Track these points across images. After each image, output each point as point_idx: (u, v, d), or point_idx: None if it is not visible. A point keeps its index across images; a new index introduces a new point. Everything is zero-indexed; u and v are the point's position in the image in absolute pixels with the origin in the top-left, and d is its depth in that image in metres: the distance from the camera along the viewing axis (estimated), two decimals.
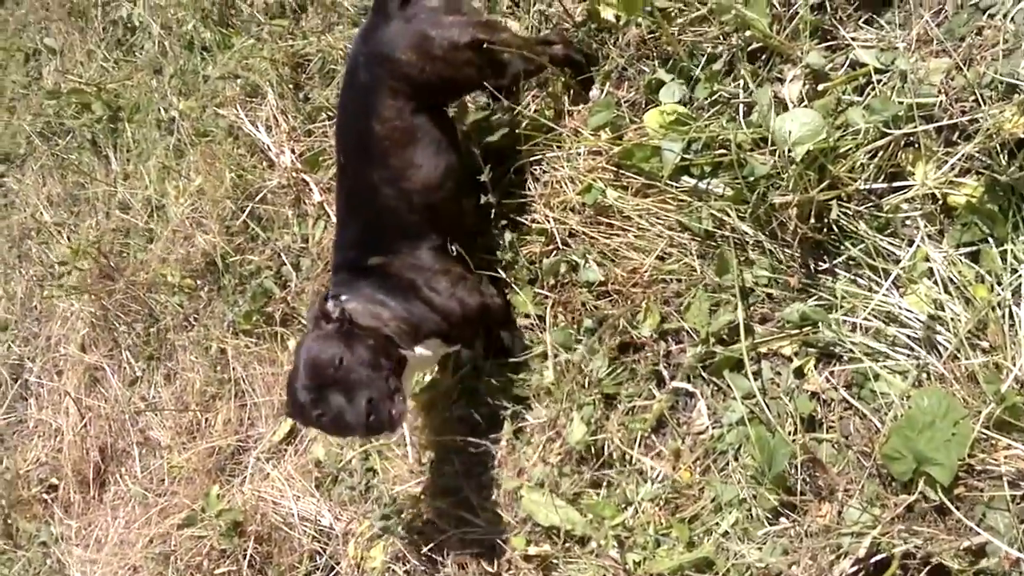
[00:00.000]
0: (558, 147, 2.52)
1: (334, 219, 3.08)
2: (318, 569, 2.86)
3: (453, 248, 2.40)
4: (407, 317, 2.30)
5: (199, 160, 3.77)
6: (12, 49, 5.95)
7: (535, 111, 2.52)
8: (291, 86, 3.43)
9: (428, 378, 2.80)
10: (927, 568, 1.82)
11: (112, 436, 3.99)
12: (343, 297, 2.27)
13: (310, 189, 3.28)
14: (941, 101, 1.97)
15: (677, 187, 2.31)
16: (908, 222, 2.05)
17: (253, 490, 3.12)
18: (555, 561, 2.28)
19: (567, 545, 2.28)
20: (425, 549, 2.51)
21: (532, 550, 2.30)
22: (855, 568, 1.86)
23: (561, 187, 2.50)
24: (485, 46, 2.31)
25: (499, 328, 2.59)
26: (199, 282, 3.76)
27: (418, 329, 2.32)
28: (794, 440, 2.01)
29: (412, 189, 2.34)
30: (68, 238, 4.64)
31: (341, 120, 2.48)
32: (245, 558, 3.02)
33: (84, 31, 5.04)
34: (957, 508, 1.80)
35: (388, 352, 2.17)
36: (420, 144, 2.34)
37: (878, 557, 1.85)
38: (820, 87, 2.13)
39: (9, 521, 4.31)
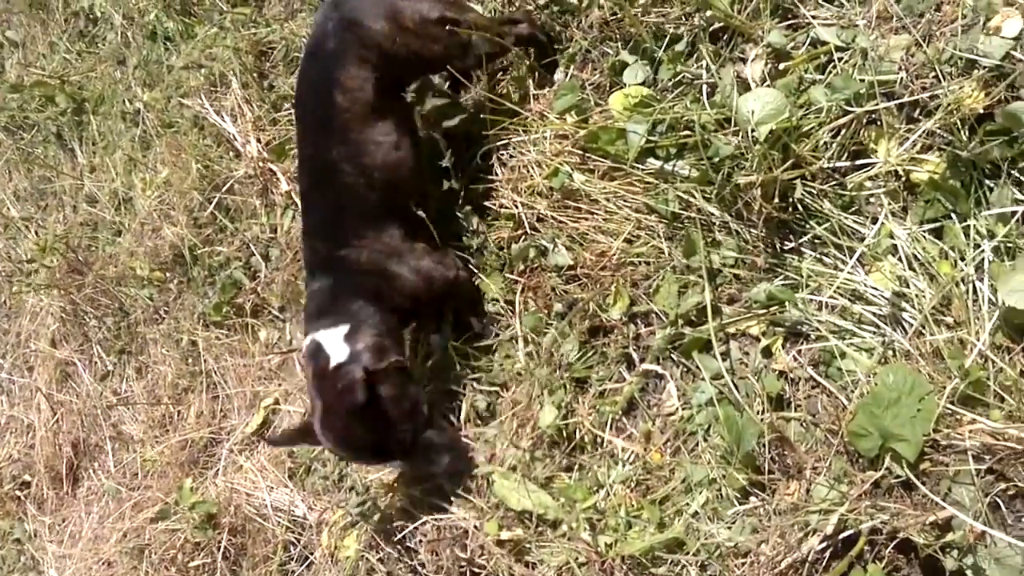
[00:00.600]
0: (524, 131, 2.51)
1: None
2: (292, 559, 2.85)
3: (419, 212, 2.38)
4: (391, 326, 2.35)
5: (165, 151, 3.72)
6: None
7: (500, 95, 2.50)
8: (255, 75, 3.39)
9: None
10: (894, 543, 1.84)
11: (84, 431, 3.95)
12: (347, 331, 2.28)
13: (277, 178, 3.25)
14: (902, 78, 1.98)
15: (643, 169, 2.31)
16: (872, 200, 2.06)
17: (226, 482, 3.09)
18: (528, 545, 2.27)
19: (539, 529, 2.28)
20: (398, 537, 2.50)
21: (505, 535, 2.30)
22: (823, 545, 1.87)
23: (528, 171, 2.49)
24: (451, 25, 2.29)
25: (467, 310, 2.58)
26: (168, 274, 3.73)
27: (399, 330, 2.39)
28: (762, 419, 2.01)
29: (373, 166, 2.31)
30: (36, 233, 4.59)
31: (301, 92, 2.43)
32: (219, 550, 3.01)
33: (46, 23, 4.96)
34: (923, 483, 1.82)
35: (407, 381, 2.27)
36: (380, 120, 2.31)
37: (846, 533, 1.86)
38: (782, 66, 2.14)
39: None
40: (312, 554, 2.80)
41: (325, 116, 2.30)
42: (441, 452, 2.42)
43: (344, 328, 2.28)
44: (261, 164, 3.29)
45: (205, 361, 3.41)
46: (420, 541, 2.47)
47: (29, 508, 4.02)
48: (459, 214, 2.57)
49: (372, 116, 2.29)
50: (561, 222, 2.44)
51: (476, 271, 2.57)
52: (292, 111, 3.18)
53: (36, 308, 4.43)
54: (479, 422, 2.55)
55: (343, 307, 2.32)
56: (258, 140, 3.32)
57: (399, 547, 2.50)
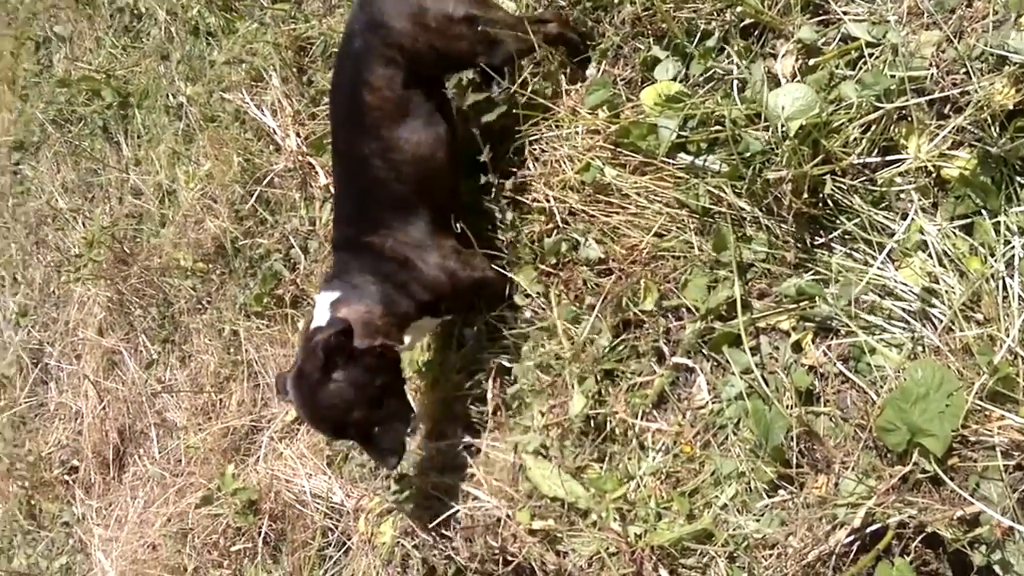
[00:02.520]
0: (556, 126, 2.53)
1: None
2: (330, 545, 2.92)
3: (457, 226, 2.43)
4: (396, 310, 2.38)
5: (207, 145, 3.81)
6: (23, 38, 6.00)
7: (532, 91, 2.53)
8: (295, 70, 3.45)
9: (432, 356, 2.84)
10: (921, 537, 1.85)
11: (130, 418, 4.07)
12: (337, 298, 2.34)
13: (316, 172, 3.31)
14: (932, 74, 1.97)
15: (674, 164, 2.32)
16: (902, 196, 2.05)
17: (267, 469, 3.18)
18: (559, 535, 2.32)
19: (570, 519, 2.32)
20: (433, 524, 2.55)
21: (537, 524, 2.34)
22: (851, 538, 1.89)
23: (560, 166, 2.52)
24: (478, 23, 2.32)
25: (491, 302, 2.64)
26: (211, 265, 3.81)
27: (406, 317, 2.40)
28: (791, 414, 2.03)
29: (402, 160, 2.34)
30: (83, 224, 4.71)
31: (335, 90, 2.48)
32: (260, 535, 3.09)
33: (92, 18, 5.08)
34: (951, 478, 1.82)
35: (384, 369, 2.32)
36: (411, 116, 2.35)
37: (873, 527, 1.88)
38: (812, 62, 2.14)
39: (32, 502, 4.42)
40: (349, 540, 2.87)
41: (356, 114, 2.34)
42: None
43: (335, 295, 2.35)
44: (300, 158, 3.35)
45: (246, 350, 3.49)
46: (454, 528, 2.52)
47: (77, 492, 4.15)
48: (494, 207, 2.60)
49: (402, 113, 2.33)
50: (592, 216, 2.46)
51: (506, 265, 2.60)
52: (328, 107, 3.25)
53: (84, 297, 4.55)
54: (509, 412, 2.58)
55: (347, 278, 2.38)
56: (297, 134, 3.39)
57: (434, 534, 2.55)
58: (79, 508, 4.12)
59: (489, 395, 2.61)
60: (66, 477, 4.30)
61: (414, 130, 2.35)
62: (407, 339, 2.41)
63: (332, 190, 2.62)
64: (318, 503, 2.97)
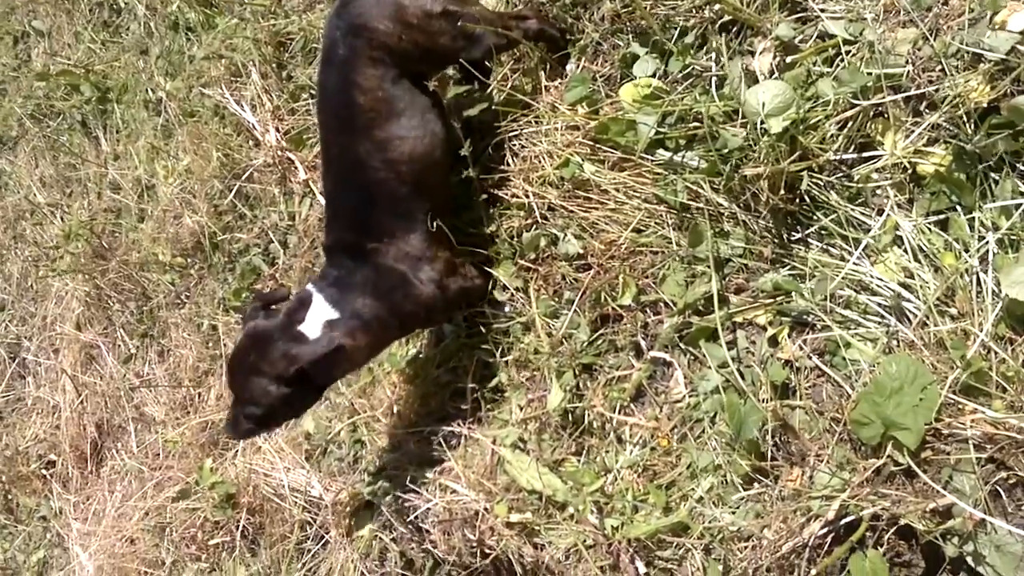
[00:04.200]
0: (536, 122, 2.54)
1: (321, 198, 3.12)
2: (308, 538, 2.92)
3: (434, 224, 2.43)
4: (383, 336, 2.45)
5: (187, 140, 3.79)
6: (0, 32, 5.94)
7: (512, 87, 2.53)
8: (274, 65, 3.44)
9: (411, 351, 2.84)
10: (894, 529, 1.87)
11: (108, 412, 4.05)
12: (335, 320, 2.34)
13: (295, 167, 3.31)
14: (908, 71, 1.99)
15: (652, 160, 2.34)
16: (878, 192, 2.07)
17: (245, 463, 3.17)
18: (536, 527, 2.32)
19: (548, 511, 2.33)
20: (411, 517, 2.55)
21: (514, 517, 2.34)
22: (825, 530, 1.91)
23: (539, 162, 2.53)
24: (457, 17, 2.33)
25: (475, 303, 2.64)
26: (189, 260, 3.80)
27: (389, 340, 2.52)
28: (767, 407, 2.05)
29: (400, 160, 2.35)
30: (61, 219, 4.68)
31: (322, 98, 2.48)
32: (238, 529, 3.09)
33: (71, 13, 5.03)
34: (924, 471, 1.84)
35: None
36: (404, 114, 2.35)
37: (847, 519, 1.90)
38: (790, 59, 2.16)
39: (9, 496, 4.38)
40: (328, 533, 2.86)
41: (348, 118, 2.34)
42: None
43: (334, 315, 2.35)
44: (280, 153, 3.34)
45: (225, 345, 3.49)
46: (432, 522, 2.52)
47: (55, 486, 4.13)
48: (473, 203, 2.61)
49: (395, 112, 2.34)
50: (571, 211, 2.48)
51: (486, 261, 2.61)
52: (312, 99, 3.25)
53: (61, 292, 4.52)
54: (488, 406, 2.59)
55: (350, 298, 2.37)
56: (277, 129, 3.38)
57: (411, 528, 2.55)
58: (56, 502, 4.09)
59: (467, 389, 2.62)
60: (43, 471, 4.27)
61: (409, 128, 2.35)
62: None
63: (323, 198, 2.60)
64: (296, 497, 2.96)
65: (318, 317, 2.33)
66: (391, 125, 2.34)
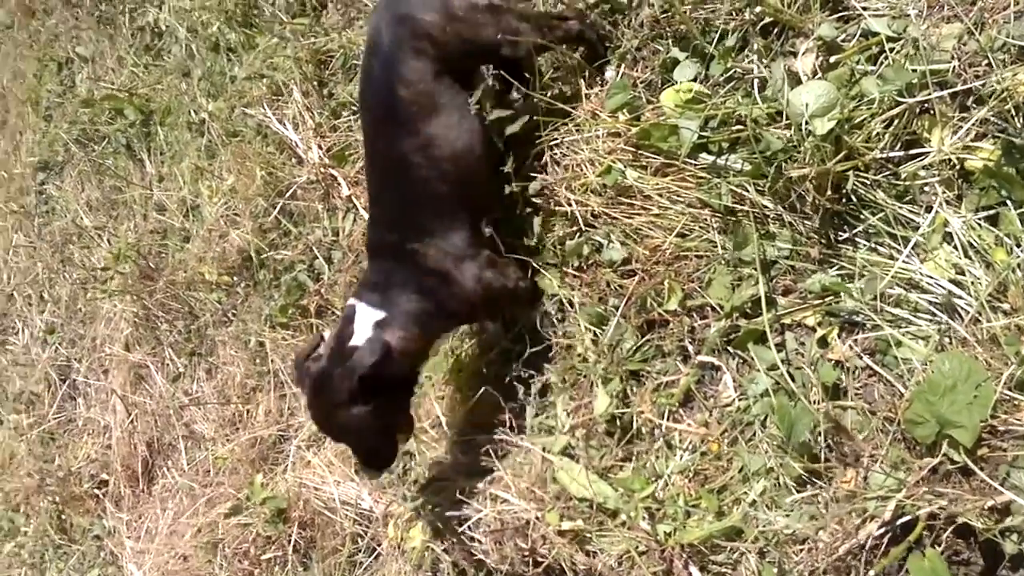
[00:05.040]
0: (577, 130, 2.55)
1: (364, 213, 3.15)
2: (360, 551, 2.94)
3: (486, 229, 2.45)
4: (433, 331, 2.48)
5: (230, 160, 3.85)
6: (46, 59, 6.08)
7: (552, 96, 2.55)
8: (315, 83, 3.49)
9: (457, 362, 2.86)
10: (952, 528, 1.84)
11: (158, 431, 4.10)
12: (382, 319, 2.37)
13: (338, 183, 3.34)
14: (954, 67, 1.97)
15: (696, 165, 2.34)
16: (926, 189, 2.06)
17: (295, 477, 3.19)
18: (588, 535, 2.32)
19: (599, 519, 2.32)
20: (462, 528, 2.56)
21: (566, 525, 2.34)
22: (881, 531, 1.89)
23: (582, 170, 2.53)
24: (501, 12, 2.36)
25: (521, 311, 2.66)
26: (235, 278, 3.85)
27: (441, 334, 2.55)
28: (818, 408, 2.03)
29: (442, 156, 2.36)
30: (108, 241, 4.76)
31: (364, 92, 2.50)
32: (290, 543, 3.11)
33: (113, 38, 5.15)
34: (981, 468, 1.82)
35: (405, 393, 2.47)
36: (447, 109, 2.37)
37: (904, 519, 1.88)
38: (833, 59, 2.15)
39: (63, 517, 4.45)
40: (379, 545, 2.88)
41: (391, 111, 2.36)
42: None
43: (380, 315, 2.37)
44: (323, 170, 3.38)
45: (272, 361, 3.52)
46: (484, 532, 2.52)
47: (107, 506, 4.19)
48: (517, 214, 2.62)
49: (438, 107, 2.36)
50: (615, 218, 2.48)
51: (535, 270, 2.62)
52: (353, 115, 3.29)
53: (110, 314, 4.60)
54: (535, 414, 2.60)
55: (392, 296, 2.40)
56: (319, 147, 3.42)
57: (463, 538, 2.56)
58: (109, 521, 4.15)
59: (514, 398, 2.62)
60: (96, 491, 4.33)
61: (450, 125, 2.37)
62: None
63: (367, 192, 2.62)
64: (347, 509, 2.98)
65: (366, 323, 2.36)
66: (433, 120, 2.36)
